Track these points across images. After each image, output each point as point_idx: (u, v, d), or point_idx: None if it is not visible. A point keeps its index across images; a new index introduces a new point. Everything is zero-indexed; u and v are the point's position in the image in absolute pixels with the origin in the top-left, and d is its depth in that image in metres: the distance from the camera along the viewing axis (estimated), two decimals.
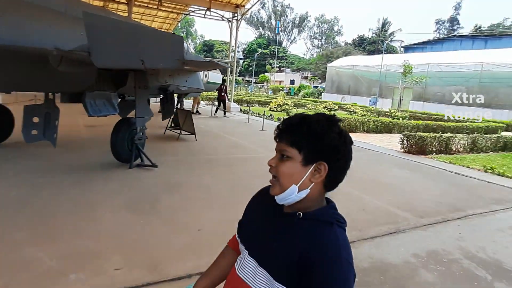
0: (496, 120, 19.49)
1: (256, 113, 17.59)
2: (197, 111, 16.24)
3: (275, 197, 1.08)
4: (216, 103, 17.36)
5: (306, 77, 66.69)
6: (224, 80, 16.66)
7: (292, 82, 60.68)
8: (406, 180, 6.79)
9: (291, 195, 1.04)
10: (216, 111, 16.34)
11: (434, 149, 10.15)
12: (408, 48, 48.84)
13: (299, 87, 48.37)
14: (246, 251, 1.14)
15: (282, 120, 1.14)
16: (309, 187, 1.03)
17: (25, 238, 3.30)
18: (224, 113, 16.29)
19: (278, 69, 64.41)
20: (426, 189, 6.20)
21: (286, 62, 71.72)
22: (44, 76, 5.22)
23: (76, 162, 6.10)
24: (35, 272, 2.77)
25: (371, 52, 58.18)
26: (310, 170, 1.02)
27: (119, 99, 7.58)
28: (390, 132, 15.16)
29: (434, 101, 29.55)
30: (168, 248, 3.35)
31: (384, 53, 35.27)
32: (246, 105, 23.16)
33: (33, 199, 4.29)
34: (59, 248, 3.17)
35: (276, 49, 63.22)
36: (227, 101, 17.37)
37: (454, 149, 10.68)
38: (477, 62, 27.05)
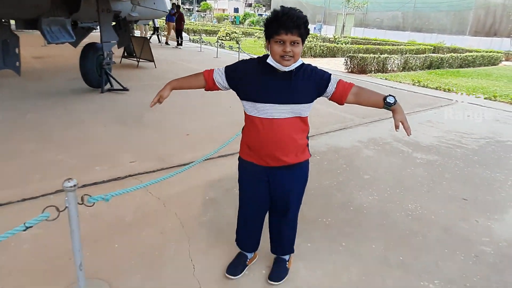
0: (425, 43, 21.34)
1: (207, 42, 17.44)
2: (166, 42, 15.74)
3: (286, 67, 1.62)
4: (166, 32, 16.69)
5: (250, 5, 64.28)
6: (178, 6, 15.94)
7: (236, 10, 58.33)
8: None
9: (296, 65, 1.68)
10: (180, 43, 15.28)
11: (373, 69, 11.36)
12: None
13: (244, 15, 46.91)
14: (266, 104, 1.67)
15: (283, 12, 1.56)
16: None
17: (39, 148, 3.76)
18: (181, 43, 15.38)
19: None
20: None
21: None
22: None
23: (46, 90, 6.23)
24: (63, 168, 3.33)
25: None
26: (303, 45, 1.70)
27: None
28: (335, 56, 16.22)
29: (374, 26, 30.90)
30: (166, 147, 4.03)
31: None
32: (193, 34, 22.61)
33: (25, 120, 4.60)
34: (74, 152, 3.70)
35: None
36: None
37: (389, 68, 12.00)
38: None
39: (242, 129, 1.91)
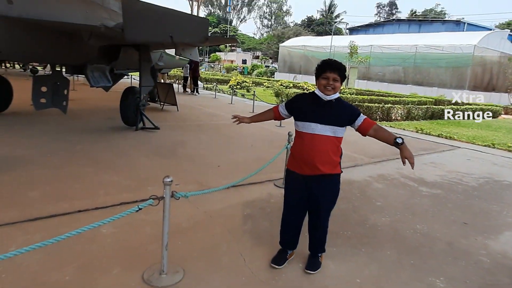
0: (426, 96, 22.50)
1: (219, 89, 18.65)
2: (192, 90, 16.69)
3: (327, 97, 2.35)
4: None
5: (257, 57, 67.80)
6: None
7: (244, 61, 61.46)
8: (358, 137, 8.42)
9: (335, 96, 2.39)
10: (195, 91, 16.47)
11: (377, 117, 12.18)
12: (353, 30, 52.00)
13: (252, 66, 49.52)
14: (311, 122, 2.37)
15: (328, 60, 2.37)
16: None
17: (95, 171, 4.38)
18: (197, 90, 16.59)
19: (230, 47, 64.66)
20: (374, 143, 7.84)
21: (238, 43, 72.00)
22: (66, 49, 6.02)
23: (87, 127, 6.98)
24: (121, 187, 3.93)
25: (319, 33, 60.74)
26: (341, 84, 2.39)
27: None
28: None
29: (376, 80, 32.56)
30: (203, 175, 4.63)
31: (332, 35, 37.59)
32: (205, 83, 24.09)
33: (76, 150, 5.26)
34: (125, 175, 4.31)
35: (228, 28, 63.31)
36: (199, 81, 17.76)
37: (393, 117, 12.83)
38: (412, 44, 30.20)
39: (291, 146, 2.56)
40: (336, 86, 2.34)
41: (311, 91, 2.51)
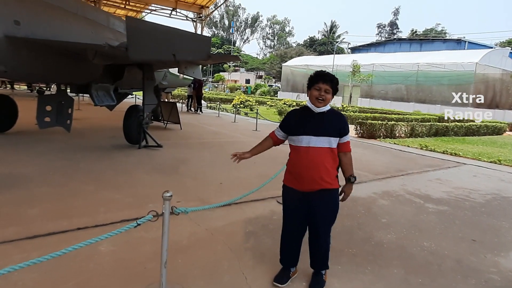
0: (430, 113, 22.49)
1: (223, 108, 18.79)
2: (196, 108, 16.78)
3: (318, 108, 2.34)
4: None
5: (260, 77, 68.65)
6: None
7: (247, 81, 62.21)
8: (362, 154, 8.50)
9: (327, 108, 2.38)
10: (199, 110, 16.64)
11: (381, 134, 12.14)
12: (355, 50, 52.64)
13: (256, 86, 50.06)
14: (304, 135, 2.34)
15: (321, 72, 2.38)
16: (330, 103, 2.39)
17: (97, 189, 4.35)
18: (200, 109, 16.73)
19: (234, 67, 65.66)
20: (378, 160, 7.92)
21: (240, 62, 73.10)
22: (71, 69, 6.11)
23: (90, 145, 6.99)
24: (122, 204, 3.88)
25: (321, 53, 61.56)
26: (332, 97, 2.38)
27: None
28: None
29: (379, 98, 32.69)
30: (205, 192, 4.58)
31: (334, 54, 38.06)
32: (209, 102, 24.31)
33: (78, 168, 5.25)
34: (127, 193, 4.27)
35: (232, 49, 64.41)
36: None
37: (397, 134, 12.77)
38: (414, 63, 30.46)
39: (287, 162, 2.51)
40: (327, 98, 2.34)
41: (303, 105, 2.50)
